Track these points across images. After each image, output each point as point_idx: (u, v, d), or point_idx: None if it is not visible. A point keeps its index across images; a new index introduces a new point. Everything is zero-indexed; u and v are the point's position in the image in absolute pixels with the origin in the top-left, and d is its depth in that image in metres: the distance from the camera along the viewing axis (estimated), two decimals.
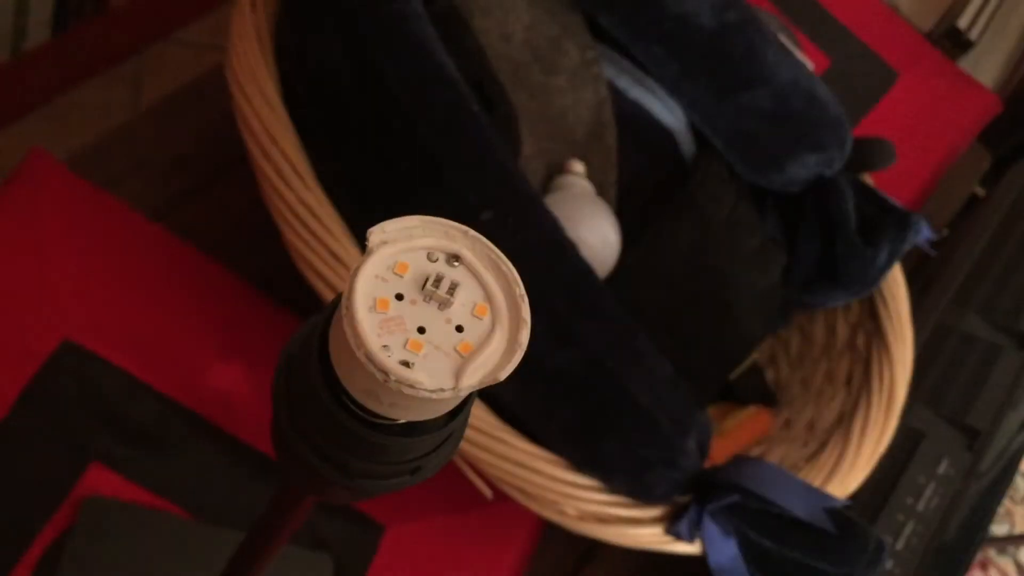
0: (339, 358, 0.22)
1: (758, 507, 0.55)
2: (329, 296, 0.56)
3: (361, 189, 0.56)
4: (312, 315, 0.24)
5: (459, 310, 0.22)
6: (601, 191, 0.66)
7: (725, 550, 0.56)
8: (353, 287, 0.21)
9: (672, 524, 0.57)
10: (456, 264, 0.22)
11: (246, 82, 0.57)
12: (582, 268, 0.54)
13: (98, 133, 0.72)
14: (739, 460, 0.57)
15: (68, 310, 0.61)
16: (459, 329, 0.22)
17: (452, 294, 0.22)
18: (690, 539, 0.56)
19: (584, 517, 0.57)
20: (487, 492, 0.58)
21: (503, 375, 0.22)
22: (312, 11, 0.57)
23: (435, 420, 0.23)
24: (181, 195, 0.70)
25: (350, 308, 0.21)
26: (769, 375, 0.74)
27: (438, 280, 0.22)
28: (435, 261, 0.22)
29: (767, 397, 0.70)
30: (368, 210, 0.56)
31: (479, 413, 0.55)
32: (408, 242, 0.22)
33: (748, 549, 0.56)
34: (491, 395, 0.56)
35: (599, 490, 0.56)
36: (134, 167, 0.70)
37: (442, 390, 0.21)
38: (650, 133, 0.68)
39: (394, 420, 0.22)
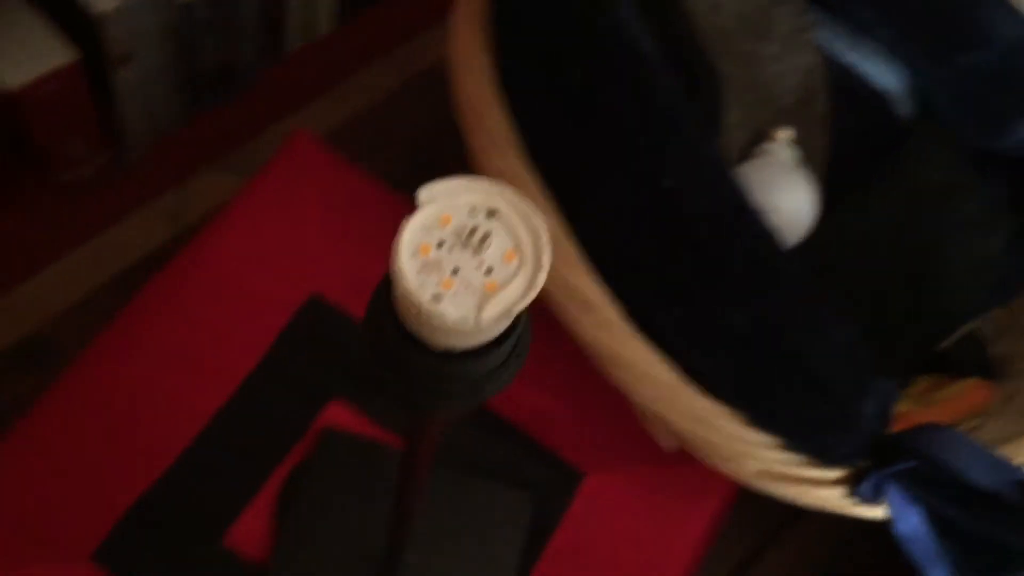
0: (396, 296, 0.27)
1: (943, 476, 0.54)
2: None
3: (557, 156, 0.60)
4: None
5: (492, 255, 0.26)
6: (810, 158, 0.67)
7: (910, 518, 0.56)
8: (399, 237, 0.26)
9: (855, 487, 0.57)
10: (494, 217, 0.27)
11: (462, 62, 0.64)
12: (762, 233, 0.56)
13: (357, 112, 0.82)
14: (923, 427, 0.56)
15: (317, 268, 0.70)
16: (489, 271, 0.26)
17: (485, 242, 0.26)
18: (874, 502, 0.57)
19: (763, 475, 0.58)
20: (671, 445, 0.61)
21: (516, 310, 0.25)
22: None
23: (482, 349, 0.27)
24: (422, 168, 0.78)
25: (395, 254, 0.26)
26: (999, 348, 0.71)
27: (474, 230, 0.26)
28: (476, 216, 0.27)
29: (985, 370, 0.67)
30: (563, 177, 0.60)
31: (662, 371, 0.58)
32: (453, 199, 0.26)
33: (933, 518, 0.55)
34: (674, 352, 0.59)
35: (778, 448, 0.57)
36: (385, 142, 0.79)
37: (465, 319, 0.25)
38: (865, 97, 0.68)
39: (450, 348, 0.27)
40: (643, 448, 0.66)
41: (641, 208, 0.56)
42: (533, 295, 0.26)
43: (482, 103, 0.61)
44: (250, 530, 0.63)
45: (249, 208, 0.70)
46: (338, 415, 0.67)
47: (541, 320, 0.66)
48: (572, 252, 0.59)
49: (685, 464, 0.66)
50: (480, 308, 0.25)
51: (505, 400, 0.68)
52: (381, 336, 0.28)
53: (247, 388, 0.67)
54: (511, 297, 0.26)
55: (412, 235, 0.26)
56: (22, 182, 0.98)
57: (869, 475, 0.56)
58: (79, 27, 0.87)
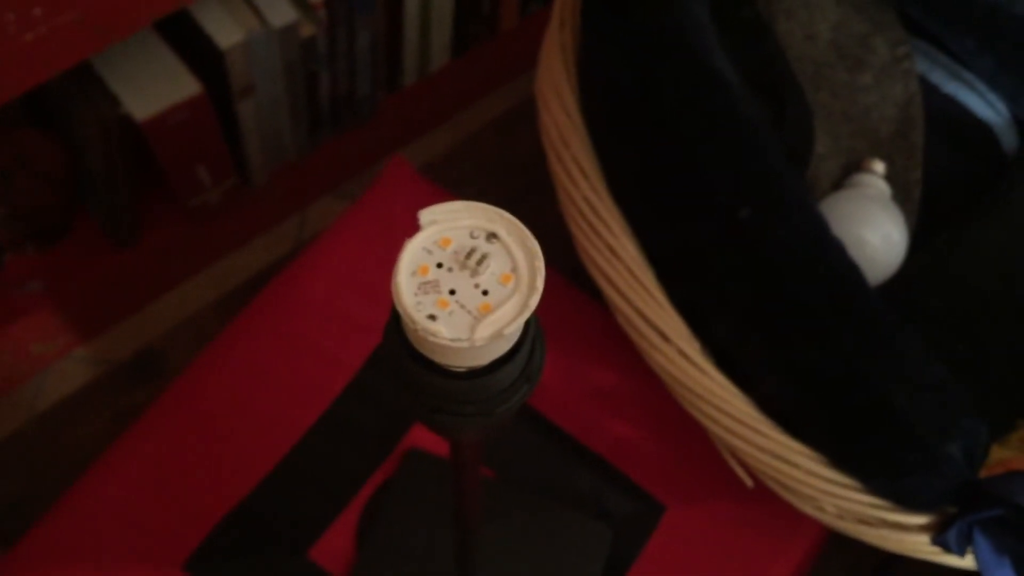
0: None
1: None
2: (607, 289, 0.61)
3: (637, 187, 0.60)
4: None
5: (488, 278, 0.27)
6: (904, 189, 0.64)
7: (1000, 570, 0.53)
8: (400, 258, 0.27)
9: (939, 534, 0.55)
10: (493, 241, 0.27)
11: (548, 92, 0.65)
12: (844, 268, 0.54)
13: (463, 141, 0.84)
14: (1013, 473, 0.53)
15: None
16: (484, 293, 0.27)
17: (483, 264, 0.27)
18: (959, 552, 0.54)
19: (843, 515, 0.57)
20: (748, 481, 0.60)
21: (508, 332, 0.26)
22: (601, 27, 0.62)
23: (486, 370, 0.28)
24: (517, 193, 0.80)
25: (396, 274, 0.27)
26: None
27: (472, 252, 0.27)
28: (476, 238, 0.27)
29: None
30: (641, 206, 0.60)
31: (740, 405, 0.57)
32: (454, 222, 0.27)
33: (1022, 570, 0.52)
34: (754, 388, 0.58)
35: (859, 490, 0.56)
36: (485, 169, 0.81)
37: (459, 339, 0.26)
38: (966, 129, 0.65)
39: (453, 367, 0.28)
40: (726, 483, 0.65)
41: (718, 239, 0.56)
42: (525, 317, 0.26)
43: (566, 135, 0.62)
44: (334, 546, 0.65)
45: (345, 234, 0.73)
46: (423, 436, 0.68)
47: (623, 351, 0.66)
48: (651, 283, 0.59)
49: (771, 503, 0.64)
50: (473, 328, 0.26)
51: (588, 429, 0.68)
52: (394, 355, 0.29)
53: (337, 407, 0.69)
54: (504, 319, 0.26)
55: (412, 255, 0.27)
56: (153, 209, 1.04)
57: (955, 522, 0.54)
58: (205, 61, 0.93)
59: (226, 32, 0.90)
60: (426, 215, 0.27)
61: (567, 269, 0.74)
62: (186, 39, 0.93)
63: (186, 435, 0.68)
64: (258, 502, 0.66)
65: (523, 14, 1.19)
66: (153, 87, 0.91)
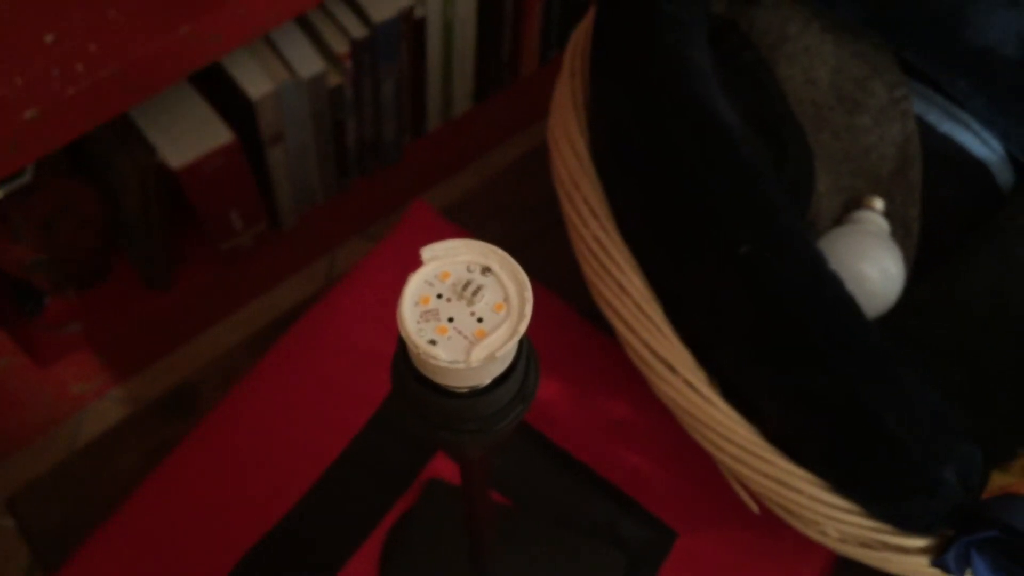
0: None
1: None
2: (617, 324, 0.64)
3: (644, 226, 0.63)
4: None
5: (483, 307, 0.30)
6: (904, 225, 0.67)
7: None
8: (404, 290, 0.30)
9: (938, 556, 0.57)
10: (488, 274, 0.30)
11: (560, 137, 0.68)
12: (841, 301, 0.57)
13: (483, 184, 0.87)
14: (1008, 495, 0.55)
15: None
16: (479, 320, 0.30)
17: (477, 295, 0.30)
18: (959, 573, 0.56)
19: (846, 539, 0.59)
20: (753, 507, 0.62)
21: (500, 354, 0.29)
22: (607, 76, 0.65)
23: (484, 390, 0.31)
24: (533, 234, 0.83)
25: (400, 304, 0.30)
26: None
27: (468, 284, 0.30)
28: (472, 271, 0.30)
29: None
30: (648, 243, 0.63)
31: (744, 433, 0.60)
32: (453, 257, 0.30)
33: None
34: (757, 417, 0.60)
35: (860, 514, 0.58)
36: (498, 212, 0.84)
37: (457, 362, 0.29)
38: (963, 166, 0.68)
39: (454, 387, 0.31)
40: (734, 510, 0.67)
41: (720, 274, 0.58)
42: (516, 341, 0.29)
43: (576, 177, 0.65)
44: (359, 573, 0.68)
45: (368, 274, 0.76)
46: (444, 467, 0.71)
47: (633, 383, 0.69)
48: (658, 317, 0.62)
49: (779, 528, 0.66)
50: (468, 352, 0.29)
51: (600, 458, 0.70)
52: (401, 378, 0.32)
53: (361, 439, 0.72)
54: (497, 343, 0.29)
55: (415, 288, 0.30)
56: (187, 253, 1.09)
57: (953, 544, 0.56)
58: (237, 110, 0.97)
59: (257, 83, 0.95)
60: (427, 252, 0.30)
61: (580, 305, 0.76)
62: (219, 90, 0.97)
63: (217, 468, 0.71)
64: (286, 531, 0.69)
65: (542, 61, 1.23)
66: (188, 136, 0.95)
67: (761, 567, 0.68)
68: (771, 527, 0.67)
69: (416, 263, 0.78)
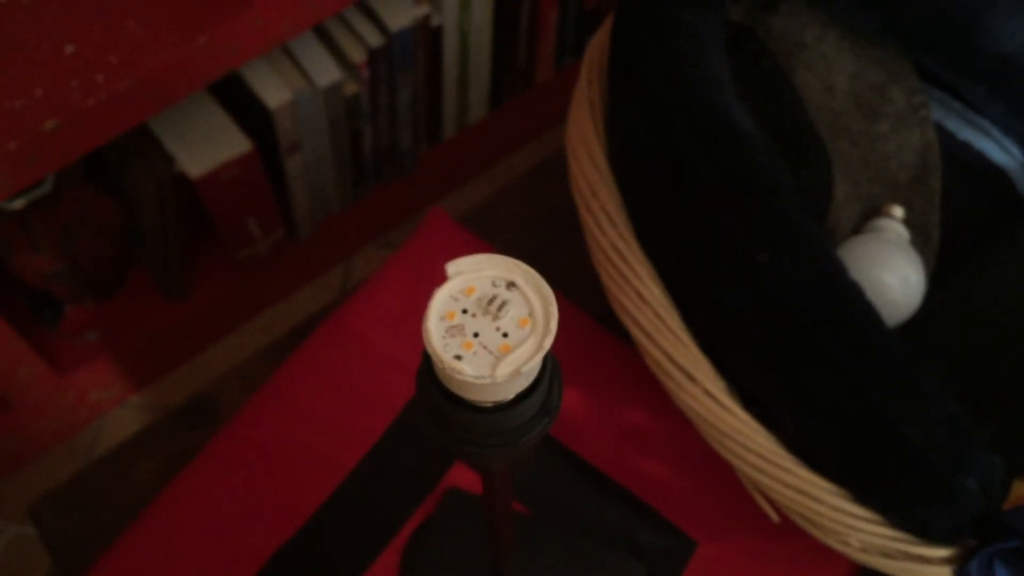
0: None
1: None
2: (635, 332, 0.64)
3: (662, 234, 0.63)
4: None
5: (508, 322, 0.30)
6: (923, 233, 0.67)
7: None
8: (430, 305, 0.30)
9: (961, 566, 0.56)
10: (512, 289, 0.30)
11: (577, 145, 0.68)
12: (859, 310, 0.57)
13: (501, 191, 0.87)
14: None
15: None
16: (505, 335, 0.30)
17: (502, 309, 0.30)
18: None
19: (867, 549, 0.58)
20: (774, 516, 0.62)
21: (525, 369, 0.29)
22: (625, 84, 0.66)
23: (508, 404, 0.31)
24: (552, 240, 0.83)
25: (426, 319, 0.30)
26: None
27: (493, 298, 0.30)
28: (497, 286, 0.30)
29: None
30: (666, 251, 0.63)
31: (764, 442, 0.60)
32: (477, 272, 0.30)
33: None
34: (777, 425, 0.60)
35: (881, 523, 0.57)
36: (514, 220, 0.84)
37: (482, 377, 0.29)
38: (982, 174, 0.67)
39: (479, 402, 0.31)
40: (754, 519, 0.67)
41: (738, 283, 0.58)
42: (541, 356, 0.29)
43: (594, 185, 0.65)
44: None
45: (385, 282, 0.76)
46: (463, 476, 0.71)
47: (652, 392, 0.69)
48: (677, 326, 0.62)
49: (799, 537, 0.66)
50: (494, 367, 0.29)
51: (620, 467, 0.70)
52: (426, 393, 0.32)
53: (380, 447, 0.72)
54: (522, 358, 0.29)
55: (440, 303, 0.30)
56: (205, 261, 1.09)
57: (976, 554, 0.55)
58: (255, 119, 0.98)
59: (274, 92, 0.95)
60: (452, 267, 0.30)
61: (597, 312, 0.76)
62: (237, 99, 0.98)
63: (237, 476, 0.71)
64: (306, 539, 0.69)
65: (558, 68, 1.23)
66: (206, 146, 0.96)
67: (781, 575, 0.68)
68: (791, 536, 0.67)
69: (433, 271, 0.78)
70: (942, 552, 0.57)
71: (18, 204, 0.91)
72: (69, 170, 0.95)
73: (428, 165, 1.18)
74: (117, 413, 1.02)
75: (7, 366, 0.94)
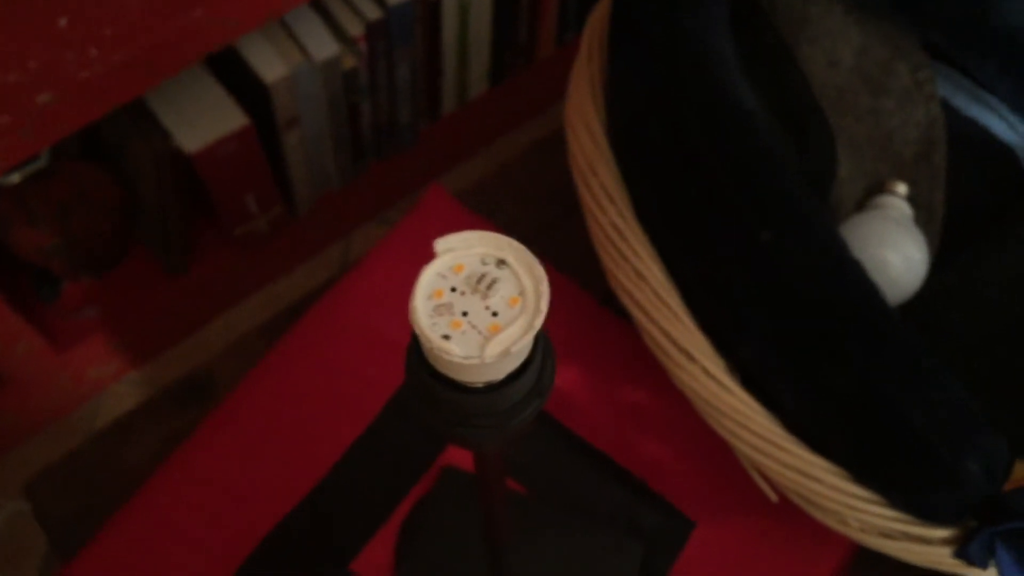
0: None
1: None
2: (634, 311, 0.63)
3: (662, 212, 0.63)
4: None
5: (498, 300, 0.29)
6: (928, 211, 0.66)
7: None
8: (417, 283, 0.29)
9: (961, 547, 0.56)
10: (503, 267, 0.30)
11: (576, 122, 0.67)
12: (862, 289, 0.56)
13: (500, 168, 0.86)
14: None
15: None
16: (494, 314, 0.29)
17: (492, 288, 0.29)
18: (982, 565, 0.55)
19: (866, 529, 0.58)
20: (772, 496, 0.61)
21: (515, 349, 0.28)
22: (626, 59, 0.64)
23: (498, 385, 0.30)
24: (552, 218, 0.82)
25: (413, 298, 0.29)
26: None
27: (483, 277, 0.29)
28: (487, 264, 0.30)
29: None
30: (666, 230, 0.62)
31: (763, 422, 0.59)
32: (467, 249, 0.30)
33: None
34: (777, 405, 0.59)
35: (881, 504, 0.57)
36: (514, 197, 0.83)
37: (471, 357, 0.28)
38: (989, 151, 0.66)
39: (469, 383, 0.30)
40: (753, 499, 0.66)
41: (739, 261, 0.57)
42: (531, 336, 0.29)
43: (593, 163, 0.64)
44: (375, 560, 0.67)
45: (383, 260, 0.76)
46: (459, 454, 0.70)
47: (651, 371, 0.68)
48: (676, 305, 0.61)
49: (798, 517, 0.65)
50: (483, 347, 0.28)
51: (618, 447, 0.70)
52: (415, 373, 0.31)
53: (376, 426, 0.71)
54: (511, 338, 0.28)
55: (428, 281, 0.29)
56: (203, 238, 1.08)
57: (977, 535, 0.55)
58: (252, 94, 0.97)
59: (271, 66, 0.94)
60: (442, 244, 0.30)
61: (596, 290, 0.76)
62: (233, 74, 0.97)
63: (233, 454, 0.71)
64: (302, 518, 0.69)
65: (559, 43, 1.22)
66: (202, 121, 0.95)
67: (779, 556, 0.67)
68: (790, 516, 0.66)
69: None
70: (942, 532, 0.56)
71: (14, 178, 0.90)
72: (65, 145, 0.94)
73: (428, 141, 1.17)
74: (115, 389, 1.02)
75: (5, 342, 0.93)
